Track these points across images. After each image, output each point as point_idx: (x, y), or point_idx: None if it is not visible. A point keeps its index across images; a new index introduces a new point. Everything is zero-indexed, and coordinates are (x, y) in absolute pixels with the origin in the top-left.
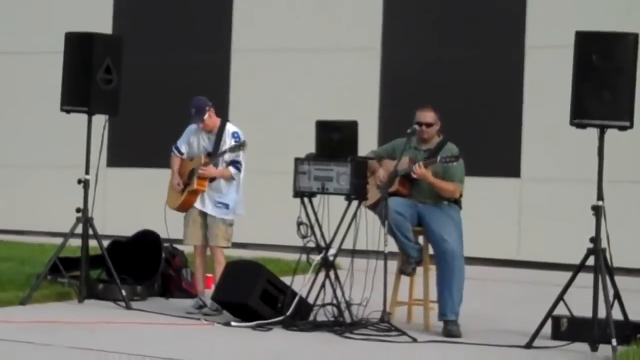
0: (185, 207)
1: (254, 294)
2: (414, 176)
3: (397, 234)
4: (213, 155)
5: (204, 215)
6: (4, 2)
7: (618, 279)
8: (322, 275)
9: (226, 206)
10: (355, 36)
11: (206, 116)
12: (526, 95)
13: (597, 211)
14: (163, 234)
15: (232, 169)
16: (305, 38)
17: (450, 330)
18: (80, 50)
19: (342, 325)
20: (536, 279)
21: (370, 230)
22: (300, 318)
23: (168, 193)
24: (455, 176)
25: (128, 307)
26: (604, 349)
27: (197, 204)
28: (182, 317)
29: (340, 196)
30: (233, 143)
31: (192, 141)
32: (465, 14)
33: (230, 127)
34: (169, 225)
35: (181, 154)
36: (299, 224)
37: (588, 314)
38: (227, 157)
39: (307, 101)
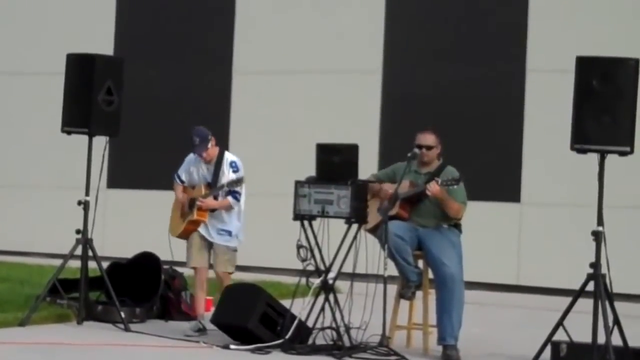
0: (185, 235)
1: (253, 317)
2: (428, 193)
3: (397, 257)
4: (212, 187)
5: (207, 239)
6: (4, 22)
7: (618, 304)
8: (321, 298)
9: (229, 233)
10: (357, 59)
11: (209, 145)
12: (527, 119)
13: (597, 236)
14: (166, 256)
15: (230, 199)
16: (306, 60)
17: (450, 355)
18: (81, 71)
19: (341, 349)
20: (536, 304)
21: (370, 254)
22: (299, 341)
23: (171, 220)
24: (457, 199)
25: (127, 329)
26: None
27: (201, 230)
28: (181, 339)
29: (341, 219)
30: (231, 173)
31: (191, 171)
32: (466, 38)
33: (228, 157)
34: (172, 248)
35: (182, 182)
36: (299, 247)
37: (587, 339)
38: (226, 187)
39: (307, 124)
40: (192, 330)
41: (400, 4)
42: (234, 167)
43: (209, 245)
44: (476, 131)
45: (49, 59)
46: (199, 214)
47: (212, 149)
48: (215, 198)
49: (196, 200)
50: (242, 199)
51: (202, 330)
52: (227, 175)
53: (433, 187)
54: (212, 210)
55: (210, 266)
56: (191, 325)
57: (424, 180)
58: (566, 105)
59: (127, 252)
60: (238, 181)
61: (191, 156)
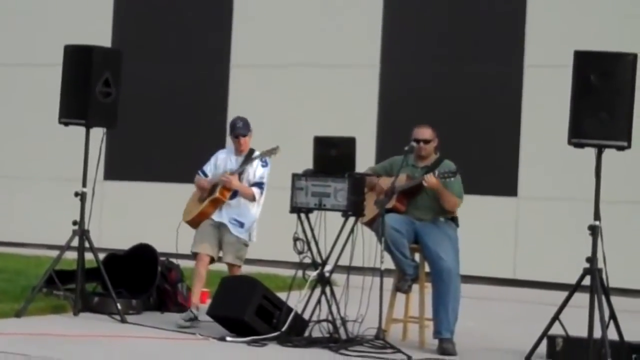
0: (202, 217)
1: (249, 309)
2: (425, 185)
3: (394, 250)
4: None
5: (217, 228)
6: (2, 14)
7: (614, 299)
8: (317, 291)
9: (241, 225)
10: (355, 53)
11: (250, 133)
12: (524, 114)
13: (594, 231)
14: (163, 248)
15: (255, 189)
16: (304, 54)
17: (446, 349)
18: (79, 62)
19: (337, 341)
20: (532, 298)
21: (366, 247)
22: (296, 334)
23: (186, 210)
24: (454, 192)
25: (123, 321)
26: None
27: (215, 216)
28: (177, 331)
29: (337, 212)
30: (260, 167)
31: (219, 165)
32: (464, 32)
33: (257, 153)
34: (163, 239)
35: (206, 176)
36: (296, 239)
37: (583, 334)
38: (253, 175)
39: (305, 117)
40: (183, 320)
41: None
42: (263, 161)
43: (218, 237)
44: (474, 125)
45: (46, 51)
46: (221, 192)
47: (250, 139)
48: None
49: (218, 183)
50: (262, 201)
51: (193, 320)
52: (255, 168)
53: (430, 179)
54: (232, 197)
55: (212, 260)
56: (183, 315)
57: (421, 174)
58: (564, 100)
59: (124, 243)
60: (273, 150)
61: (220, 152)
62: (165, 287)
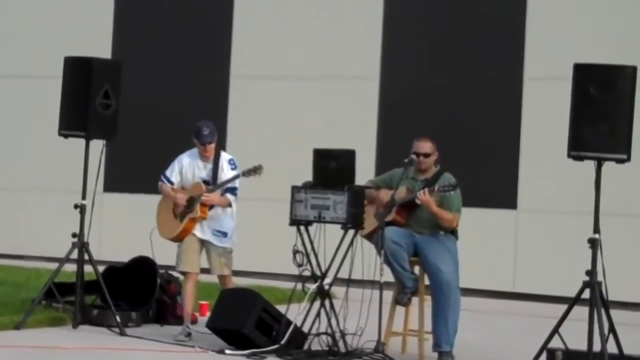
0: (184, 235)
1: (249, 322)
2: (418, 202)
3: (393, 263)
4: (214, 183)
5: (201, 243)
6: (2, 25)
7: (613, 312)
8: (317, 304)
9: (224, 234)
10: (354, 65)
11: (215, 139)
12: (524, 126)
13: (594, 244)
14: (163, 261)
15: (229, 196)
16: (304, 66)
17: None
18: (79, 74)
19: (336, 354)
20: (532, 311)
21: (366, 260)
22: (295, 347)
23: (160, 222)
24: (452, 206)
25: (122, 334)
26: None
27: (197, 232)
28: (176, 344)
29: (337, 225)
30: (230, 170)
31: (185, 171)
32: (464, 45)
33: (225, 155)
34: (159, 252)
35: (171, 183)
36: (295, 252)
37: (583, 347)
38: (242, 176)
39: (304, 129)
40: (182, 336)
41: (398, 11)
42: (232, 164)
43: (202, 249)
44: (473, 138)
45: (46, 62)
46: (202, 210)
47: (215, 145)
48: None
49: (195, 198)
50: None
51: (190, 335)
52: (226, 173)
53: (422, 197)
54: (210, 208)
55: (203, 270)
56: (180, 331)
57: (420, 187)
58: (563, 113)
59: (123, 256)
60: (256, 169)
61: (183, 158)
62: (165, 300)
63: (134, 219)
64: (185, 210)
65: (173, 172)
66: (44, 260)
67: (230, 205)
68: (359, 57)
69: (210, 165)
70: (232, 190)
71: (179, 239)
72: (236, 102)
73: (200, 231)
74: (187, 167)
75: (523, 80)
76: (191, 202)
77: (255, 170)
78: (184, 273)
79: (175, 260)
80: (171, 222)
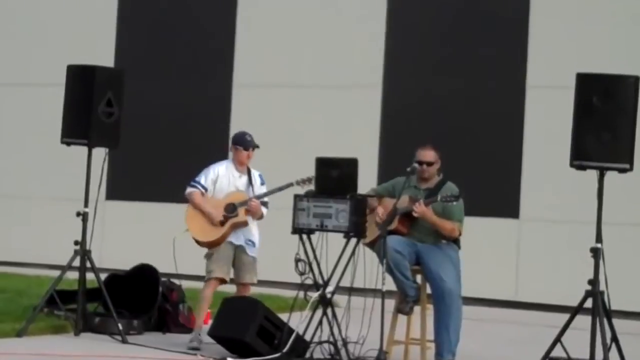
0: (223, 240)
1: (251, 330)
2: (415, 215)
3: (396, 272)
4: (260, 193)
5: (233, 250)
6: (4, 34)
7: (616, 321)
8: (319, 312)
9: (254, 244)
10: (357, 73)
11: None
12: (526, 135)
13: (596, 253)
14: (164, 268)
15: (264, 209)
16: (306, 74)
17: None
18: (82, 82)
19: None
20: (534, 320)
21: (368, 268)
22: (297, 355)
23: (195, 226)
24: (454, 215)
25: (124, 341)
26: None
27: (232, 238)
28: (178, 352)
29: (339, 233)
30: (259, 184)
31: (220, 180)
32: (466, 53)
33: (254, 171)
34: (168, 259)
35: (205, 189)
36: (297, 260)
37: (585, 356)
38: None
39: (307, 137)
40: (195, 343)
41: (401, 19)
42: (262, 179)
43: (233, 258)
44: (475, 147)
45: (48, 70)
46: (246, 216)
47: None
48: None
49: (236, 204)
50: None
51: (201, 343)
52: (258, 186)
53: (419, 209)
54: None
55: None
56: (191, 338)
57: (423, 196)
58: (566, 122)
59: (125, 264)
60: (310, 179)
61: (219, 167)
62: (167, 308)
63: (136, 226)
64: (227, 216)
65: (208, 179)
66: (46, 268)
67: (261, 218)
68: (361, 65)
69: (245, 177)
70: (266, 204)
71: (217, 243)
72: (239, 110)
73: (235, 238)
74: (223, 177)
75: (525, 89)
76: (231, 208)
77: (309, 180)
78: (215, 279)
79: (207, 266)
80: (208, 226)
